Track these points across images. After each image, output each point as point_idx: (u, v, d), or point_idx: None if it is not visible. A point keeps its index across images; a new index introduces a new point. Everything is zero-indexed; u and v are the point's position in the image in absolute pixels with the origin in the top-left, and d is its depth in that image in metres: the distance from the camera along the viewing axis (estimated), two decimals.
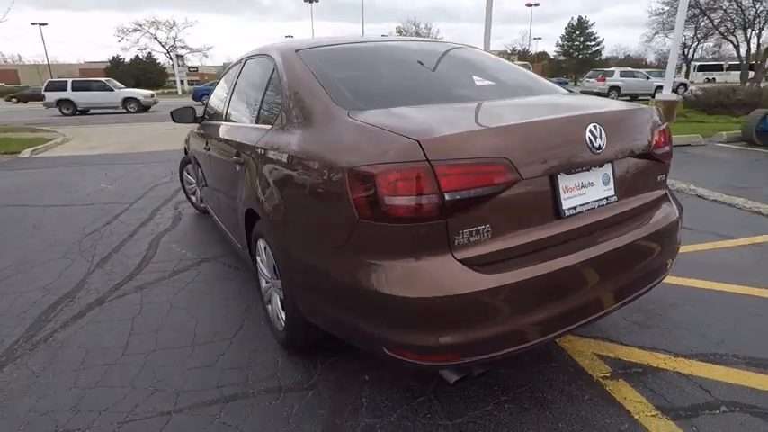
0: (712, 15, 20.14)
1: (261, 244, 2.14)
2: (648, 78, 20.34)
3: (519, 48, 63.49)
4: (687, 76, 36.68)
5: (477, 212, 1.33)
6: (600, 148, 1.54)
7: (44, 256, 3.47)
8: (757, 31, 19.12)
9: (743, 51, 20.70)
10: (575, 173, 1.53)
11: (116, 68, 45.35)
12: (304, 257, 1.62)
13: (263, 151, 1.95)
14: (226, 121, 2.81)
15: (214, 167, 2.93)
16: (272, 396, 1.84)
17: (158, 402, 1.83)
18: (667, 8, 21.68)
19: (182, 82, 39.77)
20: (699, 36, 24.59)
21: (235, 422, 1.71)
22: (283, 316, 2.00)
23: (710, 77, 38.38)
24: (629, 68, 23.23)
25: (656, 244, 1.72)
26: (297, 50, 2.11)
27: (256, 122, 2.23)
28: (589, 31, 52.11)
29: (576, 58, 52.12)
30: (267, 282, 2.21)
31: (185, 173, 4.55)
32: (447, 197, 1.28)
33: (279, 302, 2.07)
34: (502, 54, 65.44)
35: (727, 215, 4.04)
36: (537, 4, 54.51)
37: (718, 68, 39.88)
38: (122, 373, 2.03)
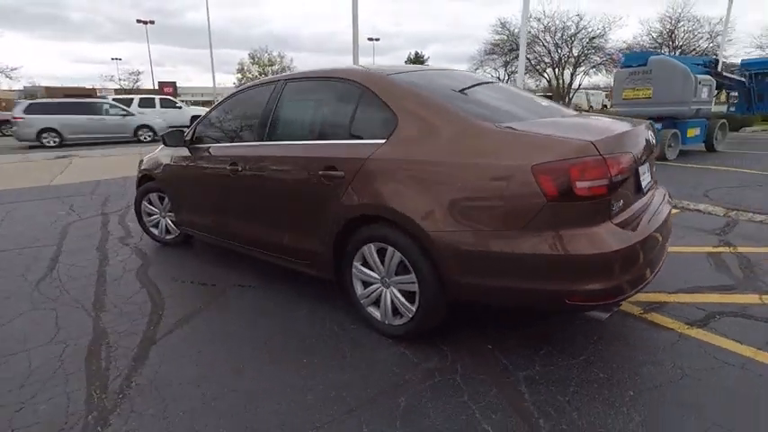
0: (529, 56, 25.44)
1: (370, 248, 2.32)
2: None
3: None
4: None
5: (620, 191, 1.88)
6: (652, 147, 2.26)
7: (8, 311, 2.85)
8: (561, 70, 25.01)
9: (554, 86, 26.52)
10: (643, 163, 2.20)
11: None
12: (479, 245, 1.92)
13: (386, 162, 2.18)
14: (269, 140, 2.84)
15: (247, 187, 2.90)
16: (430, 379, 2.06)
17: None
18: (493, 46, 26.51)
19: None
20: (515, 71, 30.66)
21: (424, 406, 1.89)
22: (412, 307, 2.23)
23: None
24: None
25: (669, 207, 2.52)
26: (388, 75, 2.41)
27: (349, 139, 2.42)
28: (426, 64, 59.24)
29: None
30: (374, 284, 2.39)
31: (145, 204, 4.12)
32: (612, 180, 1.80)
33: (399, 297, 2.28)
34: None
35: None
36: (377, 39, 59.99)
37: None
38: (243, 400, 1.99)
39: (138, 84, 54.18)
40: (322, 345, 2.37)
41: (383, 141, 2.25)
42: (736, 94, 11.79)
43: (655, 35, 27.34)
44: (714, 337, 2.32)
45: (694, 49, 26.25)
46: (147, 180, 4.05)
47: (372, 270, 2.37)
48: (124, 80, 54.99)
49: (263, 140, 2.86)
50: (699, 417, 1.76)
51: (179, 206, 3.68)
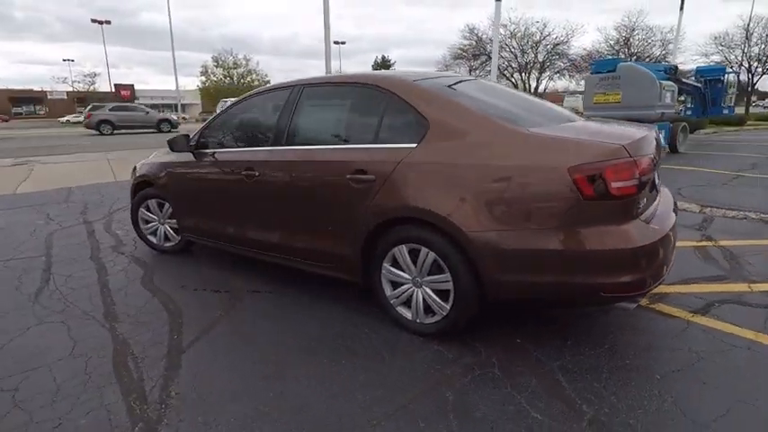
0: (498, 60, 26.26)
1: (402, 250, 2.38)
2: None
3: None
4: None
5: (644, 190, 2.03)
6: (661, 149, 2.44)
7: (12, 327, 2.71)
8: (527, 75, 25.98)
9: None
10: (656, 164, 2.38)
11: None
12: (518, 243, 2.02)
13: (420, 166, 2.25)
14: (288, 145, 2.84)
15: (265, 192, 2.90)
16: (470, 373, 2.14)
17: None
18: (461, 51, 27.18)
19: None
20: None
21: (472, 399, 1.97)
22: (446, 305, 2.30)
23: None
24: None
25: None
26: (415, 81, 2.49)
27: (377, 143, 2.47)
28: (393, 69, 59.80)
29: None
30: (404, 284, 2.45)
31: (143, 210, 4.00)
32: (640, 180, 1.94)
33: (432, 296, 2.35)
34: None
35: None
36: (343, 42, 59.94)
37: None
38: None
39: (95, 86, 51.74)
40: (357, 346, 2.41)
41: (415, 145, 2.32)
42: (683, 98, 12.62)
43: (612, 42, 28.90)
44: (717, 323, 2.52)
45: (648, 56, 27.88)
46: (145, 186, 3.94)
47: (403, 271, 2.43)
48: (78, 82, 52.34)
49: (281, 145, 2.87)
50: (722, 394, 1.93)
51: (183, 213, 3.61)
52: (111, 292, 3.20)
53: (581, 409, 1.86)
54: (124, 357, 2.35)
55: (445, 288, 2.29)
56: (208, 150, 3.35)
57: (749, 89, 32.97)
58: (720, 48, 36.00)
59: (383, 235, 2.44)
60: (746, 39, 35.98)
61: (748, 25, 34.93)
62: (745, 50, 36.05)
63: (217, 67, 44.16)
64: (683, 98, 12.71)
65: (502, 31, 25.71)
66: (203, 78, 45.41)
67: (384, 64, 59.03)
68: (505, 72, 27.19)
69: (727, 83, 11.47)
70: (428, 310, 2.40)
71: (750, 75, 34.52)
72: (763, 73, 37.77)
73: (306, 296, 3.03)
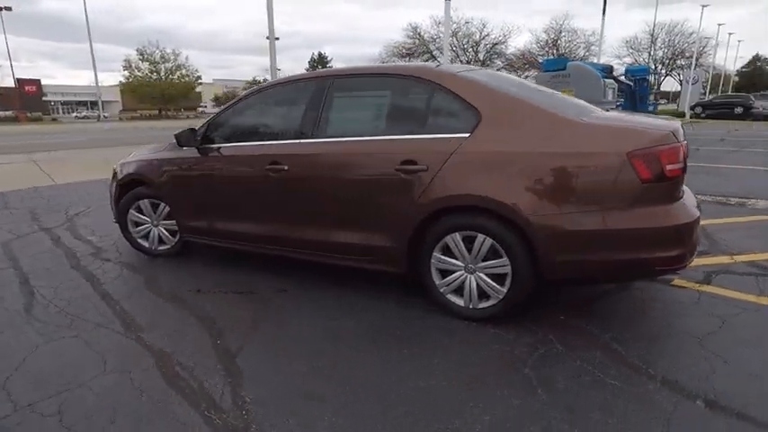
0: (440, 59, 26.97)
1: (455, 237, 2.43)
2: None
3: (261, 79, 66.31)
4: None
5: (685, 172, 2.24)
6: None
7: (15, 347, 2.40)
8: None
9: None
10: None
11: None
12: (580, 225, 2.14)
13: (477, 155, 2.31)
14: (321, 137, 2.77)
15: (296, 187, 2.80)
16: (536, 351, 2.24)
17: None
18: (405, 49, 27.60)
19: None
20: None
21: (550, 374, 2.07)
22: (503, 289, 2.38)
23: None
24: None
25: None
26: (458, 73, 2.54)
27: (424, 133, 2.49)
28: (329, 65, 59.21)
29: None
30: (456, 271, 2.49)
31: (133, 213, 3.67)
32: (685, 163, 2.15)
33: (488, 281, 2.41)
34: (250, 85, 66.65)
35: None
36: (277, 38, 58.42)
37: None
38: None
39: None
40: (413, 335, 2.42)
41: (467, 135, 2.37)
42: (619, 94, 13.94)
43: (542, 43, 30.98)
44: (722, 290, 2.84)
45: (574, 56, 30.21)
46: (134, 186, 3.63)
47: (456, 258, 2.48)
48: None
49: (313, 137, 2.78)
50: (759, 349, 2.19)
51: (188, 213, 3.37)
52: (118, 302, 2.92)
53: (648, 372, 2.03)
54: (171, 368, 2.17)
55: (501, 272, 2.38)
56: (217, 145, 3.16)
57: (655, 89, 36.75)
58: (631, 51, 39.78)
59: (434, 224, 2.47)
60: (652, 43, 40.09)
61: (653, 31, 38.94)
62: (651, 53, 40.17)
63: (142, 61, 40.92)
64: (619, 94, 14.01)
65: (444, 30, 26.64)
66: (126, 73, 41.88)
67: (321, 61, 58.34)
68: None
69: (652, 82, 12.81)
70: (482, 295, 2.48)
71: (656, 76, 38.50)
72: (667, 74, 42.29)
73: (342, 291, 2.97)
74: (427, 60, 26.88)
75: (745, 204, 5.11)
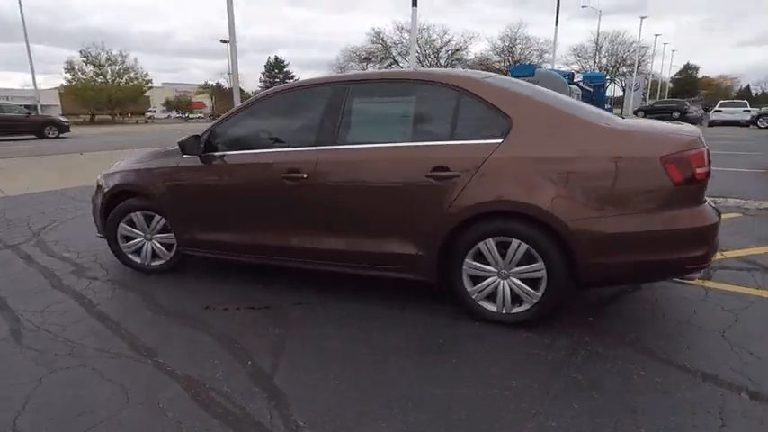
0: (402, 63, 27.30)
1: (489, 243, 2.42)
2: None
3: (213, 83, 64.34)
4: None
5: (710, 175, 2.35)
6: None
7: (15, 381, 2.14)
8: None
9: None
10: None
11: None
12: (616, 228, 2.18)
13: (511, 160, 2.32)
14: (342, 144, 2.68)
15: (318, 195, 2.70)
16: (576, 353, 2.26)
17: None
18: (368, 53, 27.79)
19: None
20: None
21: (597, 375, 2.09)
22: (537, 293, 2.39)
23: None
24: None
25: None
26: (484, 79, 2.55)
27: (453, 140, 2.47)
28: (287, 69, 58.38)
29: None
30: (488, 277, 2.48)
31: (124, 226, 3.40)
32: (709, 167, 2.25)
33: (522, 285, 2.42)
34: (203, 89, 64.36)
35: None
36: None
37: None
38: None
39: None
40: (448, 343, 2.39)
41: (500, 141, 2.37)
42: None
43: (498, 50, 32.14)
44: (724, 286, 3.00)
45: (529, 63, 31.53)
46: (125, 198, 3.37)
47: (489, 264, 2.47)
48: None
49: (334, 144, 2.69)
50: None
51: (191, 225, 3.16)
52: (119, 324, 2.69)
53: (686, 367, 2.11)
54: (205, 394, 2.01)
55: (536, 276, 2.39)
56: (225, 153, 3.00)
57: None
58: (578, 58, 41.95)
59: (467, 230, 2.45)
60: (597, 51, 42.50)
61: (597, 40, 41.31)
62: (597, 61, 42.57)
63: (86, 63, 38.39)
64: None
65: (406, 35, 26.97)
66: (69, 76, 39.15)
67: (278, 65, 57.36)
68: None
69: (606, 87, 13.58)
70: (515, 300, 2.48)
71: None
72: (611, 81, 44.90)
73: (356, 302, 2.89)
74: (390, 66, 27.20)
75: (716, 202, 5.47)
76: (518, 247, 2.37)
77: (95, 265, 3.73)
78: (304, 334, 2.55)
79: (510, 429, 1.75)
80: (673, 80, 64.33)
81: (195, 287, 3.23)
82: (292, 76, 58.98)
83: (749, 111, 22.27)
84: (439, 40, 28.25)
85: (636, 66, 33.20)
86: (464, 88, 2.49)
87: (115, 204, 3.41)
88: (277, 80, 57.13)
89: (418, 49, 27.61)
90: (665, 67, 66.69)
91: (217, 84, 66.22)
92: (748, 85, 67.43)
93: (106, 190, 3.41)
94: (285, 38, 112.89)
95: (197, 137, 3.02)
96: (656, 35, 40.30)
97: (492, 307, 2.53)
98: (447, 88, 2.54)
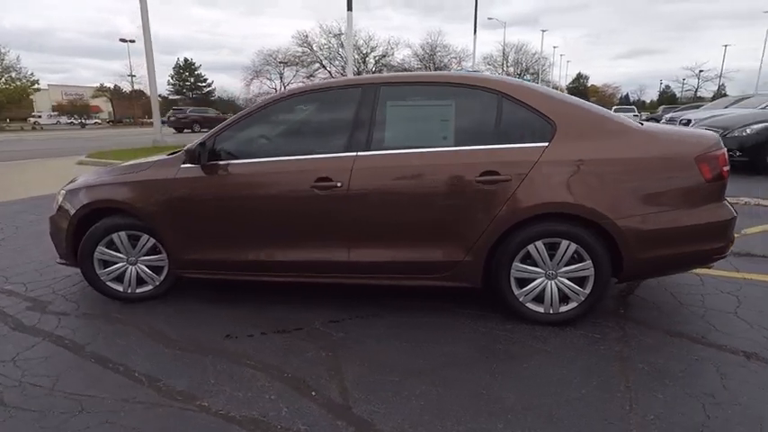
0: (330, 68, 27.05)
1: (538, 245, 2.44)
2: None
3: (111, 85, 58.52)
4: None
5: None
6: None
7: None
8: None
9: None
10: None
11: None
12: (660, 223, 2.31)
13: (559, 163, 2.36)
14: (376, 150, 2.54)
15: (354, 205, 2.53)
16: (629, 345, 2.35)
17: None
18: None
19: None
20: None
21: (659, 363, 2.18)
22: (585, 291, 2.46)
23: None
24: None
25: None
26: (521, 84, 2.58)
27: (497, 144, 2.46)
28: (198, 72, 54.92)
29: (191, 97, 53.77)
30: (536, 279, 2.50)
31: (102, 249, 2.90)
32: (729, 165, 2.49)
33: (570, 285, 2.48)
34: (101, 92, 58.15)
35: None
36: (133, 41, 52.25)
37: None
38: None
39: None
40: (516, 349, 2.36)
41: (546, 144, 2.41)
42: None
43: (420, 57, 33.31)
44: (711, 272, 3.29)
45: (448, 70, 33.10)
46: (103, 216, 2.89)
47: (537, 266, 2.49)
48: None
49: (369, 150, 2.53)
50: None
51: (193, 244, 2.78)
52: (127, 366, 2.27)
53: (732, 348, 2.30)
54: None
55: (584, 275, 2.46)
56: (238, 161, 2.69)
57: None
58: (489, 66, 44.86)
59: (516, 233, 2.44)
60: (504, 60, 45.80)
61: (504, 50, 44.55)
62: (504, 69, 45.88)
63: None
64: None
65: (334, 41, 26.90)
66: None
67: (188, 67, 53.72)
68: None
69: None
70: (562, 299, 2.53)
71: None
72: None
73: (392, 315, 2.75)
74: (317, 70, 26.85)
75: None
76: (567, 247, 2.42)
77: (56, 297, 3.14)
78: (355, 353, 2.36)
79: (624, 425, 1.77)
80: (568, 88, 71.46)
81: (201, 315, 2.85)
82: (205, 80, 55.78)
83: (637, 115, 25.53)
84: (365, 46, 28.63)
85: (539, 74, 36.35)
86: (505, 92, 2.50)
87: (88, 225, 2.90)
88: (188, 83, 53.55)
89: (344, 54, 27.58)
90: (561, 77, 73.90)
91: (115, 86, 60.35)
92: (627, 93, 77.18)
93: (77, 208, 2.89)
94: (192, 39, 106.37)
95: (203, 144, 2.67)
96: (554, 47, 44.71)
97: (539, 308, 2.56)
98: (488, 92, 2.52)
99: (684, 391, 1.98)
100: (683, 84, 60.21)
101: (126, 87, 56.51)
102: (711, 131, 2.69)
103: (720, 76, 54.10)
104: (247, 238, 2.72)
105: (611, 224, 2.33)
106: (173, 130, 25.12)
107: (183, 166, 2.74)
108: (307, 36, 27.39)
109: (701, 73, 54.85)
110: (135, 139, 22.63)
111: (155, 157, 3.07)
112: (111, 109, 60.46)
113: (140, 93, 56.96)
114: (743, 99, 13.72)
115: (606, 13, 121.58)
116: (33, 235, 4.67)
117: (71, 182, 3.20)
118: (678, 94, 64.36)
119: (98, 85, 62.18)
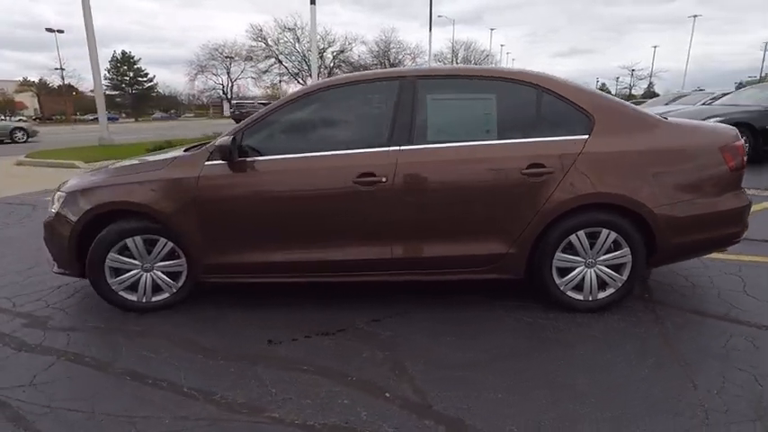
0: (287, 64, 26.36)
1: (580, 235, 2.51)
2: None
3: (36, 79, 53.80)
4: None
5: None
6: None
7: None
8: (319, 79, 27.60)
9: None
10: None
11: None
12: (692, 210, 2.44)
13: (600, 155, 2.44)
14: (420, 144, 2.50)
15: (400, 201, 2.48)
16: (667, 329, 2.48)
17: None
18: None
19: None
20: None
21: (703, 342, 2.32)
22: (623, 277, 2.57)
23: None
24: None
25: None
26: (554, 78, 2.63)
27: (540, 137, 2.50)
28: (137, 66, 51.48)
29: (131, 93, 50.39)
30: (576, 267, 2.58)
31: (115, 255, 2.64)
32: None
33: (609, 272, 2.57)
34: (26, 86, 53.12)
35: None
36: (61, 31, 48.22)
37: None
38: None
39: None
40: (566, 337, 2.41)
41: (586, 137, 2.48)
42: None
43: (375, 54, 33.31)
44: (726, 257, 3.43)
45: (403, 65, 33.36)
46: (114, 218, 2.63)
47: (578, 255, 2.56)
48: None
49: (412, 144, 2.49)
50: None
51: (221, 246, 2.60)
52: (169, 381, 2.10)
53: (756, 323, 2.48)
54: None
55: (622, 262, 2.56)
56: (270, 157, 2.55)
57: None
58: (440, 63, 45.68)
59: (559, 224, 2.50)
60: (454, 58, 46.84)
61: (453, 47, 45.56)
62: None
63: None
64: None
65: (289, 36, 26.20)
66: None
67: (126, 60, 50.14)
68: (298, 76, 27.74)
69: None
70: (600, 286, 2.62)
71: None
72: None
73: (437, 310, 2.73)
74: (273, 65, 26.07)
75: None
76: (607, 236, 2.51)
77: (54, 311, 2.84)
78: (410, 351, 2.31)
79: (696, 400, 1.87)
80: None
81: (228, 321, 2.68)
82: (146, 74, 52.35)
83: None
84: (322, 41, 28.10)
85: None
86: (544, 86, 2.54)
87: (94, 230, 2.64)
88: (126, 78, 49.99)
89: (301, 48, 27.11)
90: None
91: (41, 80, 55.46)
92: None
93: (84, 211, 2.61)
94: (127, 30, 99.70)
95: (234, 139, 2.50)
96: (502, 45, 46.34)
97: (578, 296, 2.63)
98: (526, 86, 2.55)
99: (732, 365, 2.12)
100: (618, 82, 64.41)
101: (54, 82, 52.09)
102: (727, 125, 2.89)
103: (651, 75, 58.36)
104: (282, 238, 2.59)
105: (648, 212, 2.45)
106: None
107: (207, 163, 2.56)
108: (261, 30, 26.69)
109: (634, 72, 58.91)
110: (72, 137, 20.96)
111: (167, 154, 2.84)
112: (36, 105, 55.52)
113: (70, 87, 52.52)
114: (681, 97, 14.97)
115: (546, 13, 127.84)
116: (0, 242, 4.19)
117: (66, 183, 2.89)
118: (613, 92, 68.86)
119: (21, 79, 56.87)
